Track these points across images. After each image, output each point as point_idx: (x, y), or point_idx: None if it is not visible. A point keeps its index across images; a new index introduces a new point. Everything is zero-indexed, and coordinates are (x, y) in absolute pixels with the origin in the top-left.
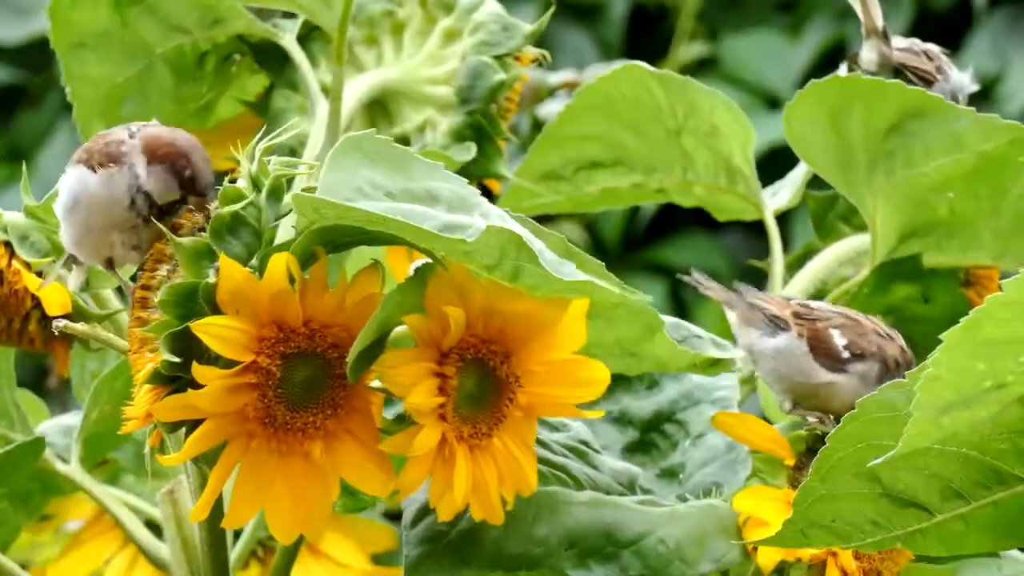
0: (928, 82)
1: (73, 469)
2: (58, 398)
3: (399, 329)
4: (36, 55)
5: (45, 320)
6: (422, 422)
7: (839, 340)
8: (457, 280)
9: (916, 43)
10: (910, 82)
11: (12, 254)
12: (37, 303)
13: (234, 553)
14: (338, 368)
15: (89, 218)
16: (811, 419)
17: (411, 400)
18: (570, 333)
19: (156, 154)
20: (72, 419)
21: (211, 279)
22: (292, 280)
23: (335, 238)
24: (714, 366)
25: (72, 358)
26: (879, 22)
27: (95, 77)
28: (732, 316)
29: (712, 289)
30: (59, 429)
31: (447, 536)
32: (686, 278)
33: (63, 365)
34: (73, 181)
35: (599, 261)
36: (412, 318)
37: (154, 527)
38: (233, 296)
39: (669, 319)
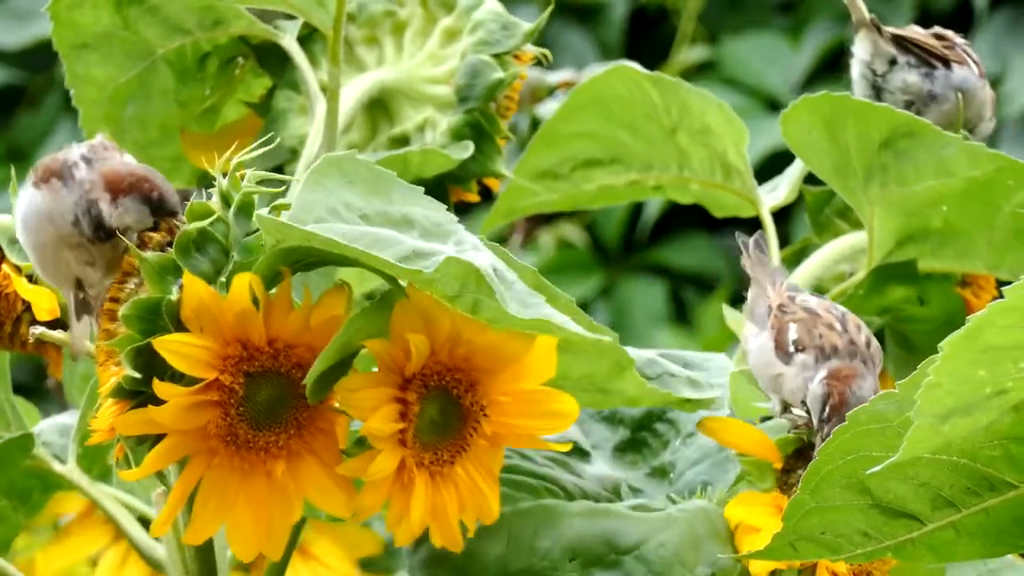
0: (939, 58)
1: (70, 469)
2: (57, 399)
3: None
4: (36, 56)
5: (36, 324)
6: (380, 447)
7: (791, 335)
8: (423, 306)
9: (936, 29)
10: (913, 55)
11: (2, 258)
12: (28, 307)
13: (227, 554)
14: (302, 388)
15: (38, 237)
16: (800, 424)
17: (370, 425)
18: (539, 364)
19: (120, 187)
20: (69, 419)
21: (175, 295)
22: (256, 299)
23: (302, 258)
24: (689, 403)
25: (64, 360)
26: (866, 13)
27: (98, 78)
28: (749, 296)
29: (751, 260)
30: (56, 429)
31: (450, 559)
32: (743, 237)
33: (56, 368)
34: (23, 203)
35: (569, 297)
36: (374, 343)
37: (147, 524)
38: (197, 313)
39: (646, 354)
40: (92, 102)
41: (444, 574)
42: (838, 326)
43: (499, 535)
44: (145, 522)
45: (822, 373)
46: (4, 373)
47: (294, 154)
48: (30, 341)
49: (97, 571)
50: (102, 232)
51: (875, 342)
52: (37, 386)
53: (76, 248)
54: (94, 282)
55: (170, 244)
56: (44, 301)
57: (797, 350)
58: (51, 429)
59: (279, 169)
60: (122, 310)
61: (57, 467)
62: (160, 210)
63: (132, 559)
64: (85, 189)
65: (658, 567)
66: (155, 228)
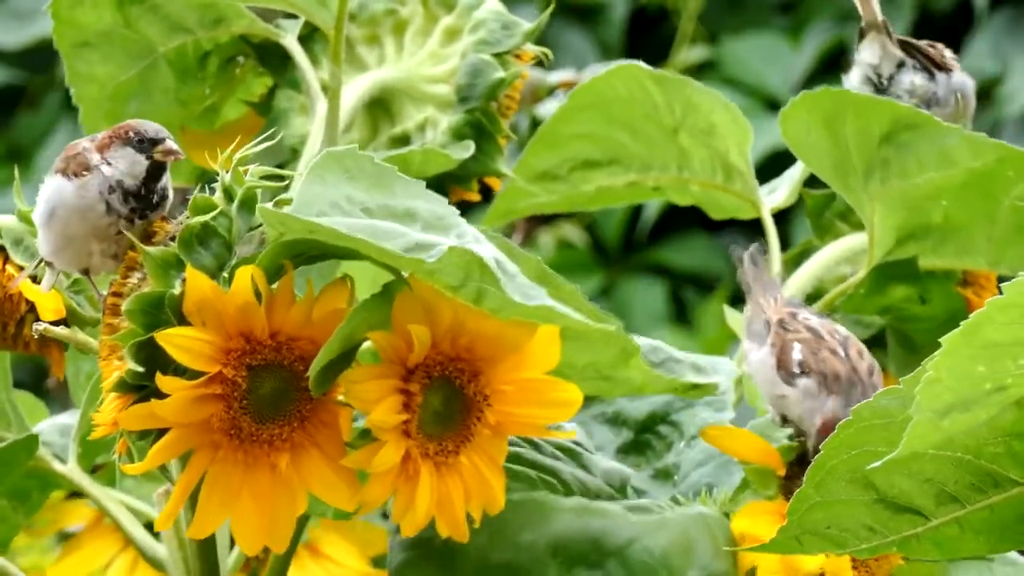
0: (939, 66)
1: (71, 469)
2: (57, 399)
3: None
4: (36, 56)
5: (39, 322)
6: (384, 439)
7: (795, 355)
8: (424, 297)
9: (927, 41)
10: (917, 59)
11: (6, 258)
12: (31, 307)
13: (231, 557)
14: (304, 381)
15: (67, 227)
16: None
17: (374, 416)
18: (541, 353)
19: (107, 136)
20: (69, 419)
21: (178, 290)
22: (259, 292)
23: (304, 251)
24: (695, 390)
25: (68, 360)
26: (879, 15)
27: (99, 76)
28: (746, 311)
29: (747, 274)
30: (56, 429)
31: (433, 543)
32: (738, 249)
33: (58, 368)
34: (51, 191)
35: (573, 286)
36: (377, 335)
37: (148, 526)
38: (199, 307)
39: (647, 341)
40: (93, 100)
41: (425, 558)
42: (841, 352)
43: (484, 526)
44: (149, 526)
45: (817, 421)
46: (5, 373)
47: (294, 153)
48: (34, 340)
49: None
50: (134, 203)
51: (877, 368)
52: (37, 386)
53: (107, 240)
54: (108, 272)
55: (174, 238)
56: (49, 302)
57: (802, 372)
58: (51, 429)
59: (280, 168)
60: (125, 304)
61: (57, 467)
62: (143, 144)
63: (141, 565)
64: (95, 160)
65: (640, 571)
66: (153, 163)
